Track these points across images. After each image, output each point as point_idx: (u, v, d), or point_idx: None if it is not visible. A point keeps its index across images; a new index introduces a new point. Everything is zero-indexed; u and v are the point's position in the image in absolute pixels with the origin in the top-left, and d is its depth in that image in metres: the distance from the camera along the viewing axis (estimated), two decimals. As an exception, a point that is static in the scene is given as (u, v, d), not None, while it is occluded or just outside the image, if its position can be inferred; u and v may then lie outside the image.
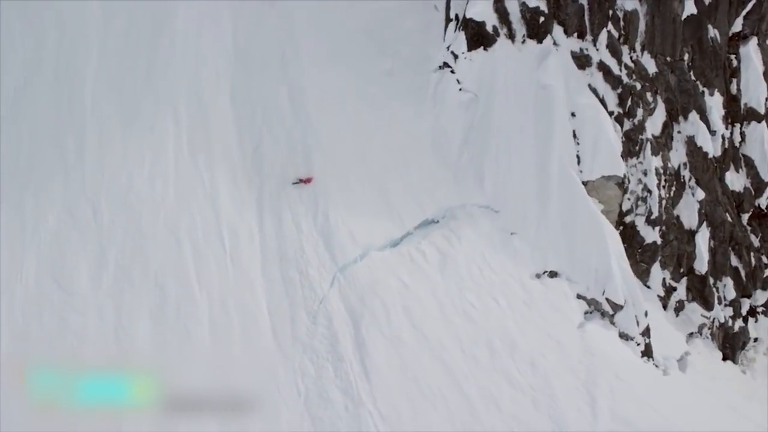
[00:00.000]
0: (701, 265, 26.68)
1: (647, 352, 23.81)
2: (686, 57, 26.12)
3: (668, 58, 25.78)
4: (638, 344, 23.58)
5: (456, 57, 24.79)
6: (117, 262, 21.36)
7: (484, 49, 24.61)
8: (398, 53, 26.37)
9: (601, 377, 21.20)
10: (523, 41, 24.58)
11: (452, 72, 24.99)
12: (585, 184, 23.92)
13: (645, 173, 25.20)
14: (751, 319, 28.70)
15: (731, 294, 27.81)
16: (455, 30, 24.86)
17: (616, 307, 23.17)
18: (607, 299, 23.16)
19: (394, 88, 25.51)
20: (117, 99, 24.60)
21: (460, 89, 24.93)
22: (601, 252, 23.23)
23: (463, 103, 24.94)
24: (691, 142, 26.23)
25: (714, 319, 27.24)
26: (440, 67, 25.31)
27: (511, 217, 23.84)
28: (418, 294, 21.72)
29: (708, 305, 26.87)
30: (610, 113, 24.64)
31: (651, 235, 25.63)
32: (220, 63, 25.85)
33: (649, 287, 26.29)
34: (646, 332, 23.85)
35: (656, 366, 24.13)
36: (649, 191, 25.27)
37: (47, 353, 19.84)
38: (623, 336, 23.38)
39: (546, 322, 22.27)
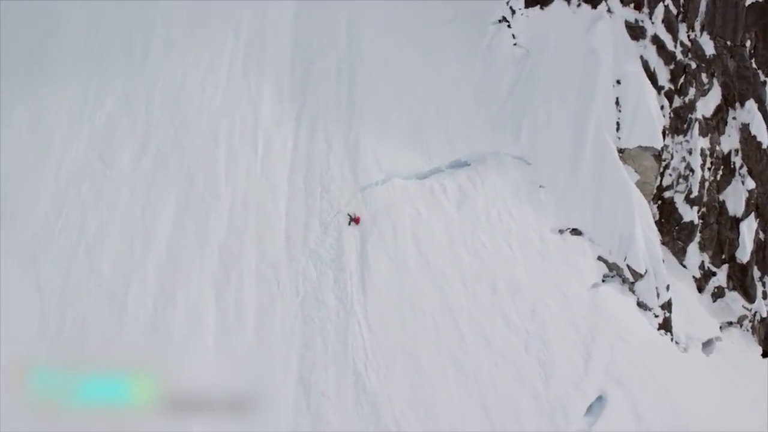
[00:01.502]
0: (743, 254, 25.77)
1: (665, 326, 23.43)
2: (748, 43, 25.46)
3: (728, 42, 25.25)
4: (656, 316, 23.26)
5: (513, 12, 25.38)
6: (158, 149, 23.13)
7: (541, 7, 25.11)
8: (461, 3, 26.94)
9: (602, 336, 21.12)
10: (579, 5, 24.84)
11: (509, 26, 25.54)
12: (622, 151, 23.87)
13: (690, 152, 24.76)
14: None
15: (779, 291, 26.60)
16: (516, -14, 25.41)
17: (637, 275, 22.94)
18: (628, 266, 22.95)
19: (450, 36, 26.20)
20: (187, 8, 26.50)
21: (515, 44, 25.46)
22: (627, 218, 23.10)
23: (514, 57, 25.43)
24: (745, 129, 25.51)
25: (756, 312, 26.11)
26: (498, 21, 25.86)
27: (542, 171, 24.05)
28: (430, 224, 22.33)
29: (749, 297, 25.92)
30: (660, 88, 24.45)
31: (689, 214, 25.10)
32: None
33: (685, 266, 25.67)
34: (667, 306, 23.48)
35: (676, 342, 23.63)
36: (692, 170, 24.77)
37: (81, 220, 21.70)
38: (641, 305, 23.15)
39: (557, 275, 22.33)
